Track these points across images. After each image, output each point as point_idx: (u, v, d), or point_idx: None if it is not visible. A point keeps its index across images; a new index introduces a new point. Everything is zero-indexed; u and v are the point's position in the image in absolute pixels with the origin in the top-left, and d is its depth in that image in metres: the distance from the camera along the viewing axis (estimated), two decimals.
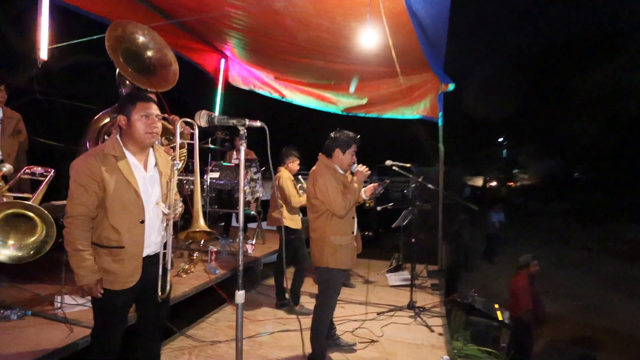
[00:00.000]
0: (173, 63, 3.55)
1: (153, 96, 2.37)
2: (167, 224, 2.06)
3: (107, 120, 3.51)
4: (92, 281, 1.85)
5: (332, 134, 2.84)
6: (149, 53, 3.46)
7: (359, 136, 2.84)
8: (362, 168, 2.81)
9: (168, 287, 2.06)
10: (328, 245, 2.73)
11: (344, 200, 2.64)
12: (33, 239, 2.19)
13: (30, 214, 2.17)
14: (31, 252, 2.19)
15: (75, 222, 1.83)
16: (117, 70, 3.32)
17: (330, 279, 2.79)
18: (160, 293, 2.03)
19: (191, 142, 3.40)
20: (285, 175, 3.98)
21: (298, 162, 4.10)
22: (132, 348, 2.13)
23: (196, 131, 3.46)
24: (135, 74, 3.26)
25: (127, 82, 3.33)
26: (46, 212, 2.20)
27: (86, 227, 1.86)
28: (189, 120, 3.58)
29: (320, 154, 2.89)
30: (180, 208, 2.09)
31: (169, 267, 2.06)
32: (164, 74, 3.49)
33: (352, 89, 6.05)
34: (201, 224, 3.32)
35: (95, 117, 3.50)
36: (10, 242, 2.14)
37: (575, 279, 9.43)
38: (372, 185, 3.03)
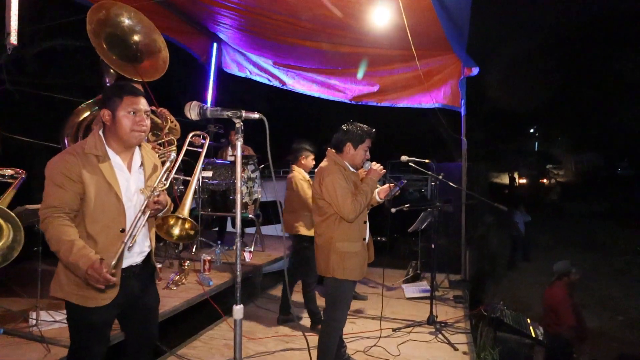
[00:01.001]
0: (163, 49, 3.56)
1: (139, 87, 2.37)
2: (144, 210, 1.94)
3: (87, 113, 3.53)
4: (93, 262, 1.70)
5: (343, 127, 2.83)
6: (136, 38, 3.47)
7: (374, 130, 2.83)
8: (376, 166, 2.80)
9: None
10: (335, 253, 2.73)
11: (354, 202, 2.63)
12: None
13: None
14: None
15: (51, 220, 1.79)
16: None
17: (338, 291, 2.78)
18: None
19: (198, 149, 3.56)
20: (298, 176, 3.95)
21: (312, 157, 4.07)
22: None
23: (207, 142, 3.72)
24: (119, 62, 3.27)
25: (112, 70, 3.35)
26: (11, 213, 2.21)
27: (65, 220, 1.81)
28: (199, 132, 3.87)
29: (329, 149, 2.89)
30: (162, 195, 1.98)
31: (127, 243, 1.88)
32: (152, 61, 3.50)
33: (360, 74, 6.03)
34: (185, 212, 3.39)
35: (75, 111, 3.52)
36: None
37: (618, 289, 9.34)
38: (386, 185, 3.01)
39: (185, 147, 3.81)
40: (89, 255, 1.73)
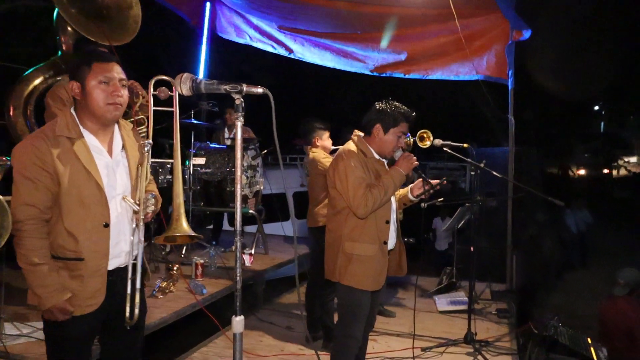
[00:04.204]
0: (134, 6, 3.57)
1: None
2: (136, 225, 2.10)
3: (39, 80, 3.53)
4: (59, 302, 1.89)
5: (376, 104, 2.83)
6: None
7: (414, 113, 2.81)
8: (408, 157, 2.77)
9: (137, 311, 2.10)
10: (342, 254, 2.77)
11: (366, 194, 2.62)
12: None
13: None
14: None
15: (26, 227, 1.88)
16: (56, 12, 3.35)
17: (347, 300, 2.83)
18: (128, 318, 2.06)
19: (170, 109, 3.38)
20: (319, 154, 3.94)
21: (327, 134, 4.09)
22: None
23: (176, 94, 3.45)
24: (81, 18, 3.28)
25: (69, 28, 3.36)
26: None
27: (41, 233, 1.91)
28: (165, 77, 3.55)
29: (355, 130, 2.91)
30: (152, 206, 2.12)
31: (137, 284, 2.10)
32: (121, 20, 3.52)
33: (384, 42, 5.97)
34: (183, 226, 3.37)
35: (23, 76, 3.54)
36: None
37: None
38: (419, 180, 2.96)
39: (151, 104, 3.47)
40: (54, 297, 1.88)
